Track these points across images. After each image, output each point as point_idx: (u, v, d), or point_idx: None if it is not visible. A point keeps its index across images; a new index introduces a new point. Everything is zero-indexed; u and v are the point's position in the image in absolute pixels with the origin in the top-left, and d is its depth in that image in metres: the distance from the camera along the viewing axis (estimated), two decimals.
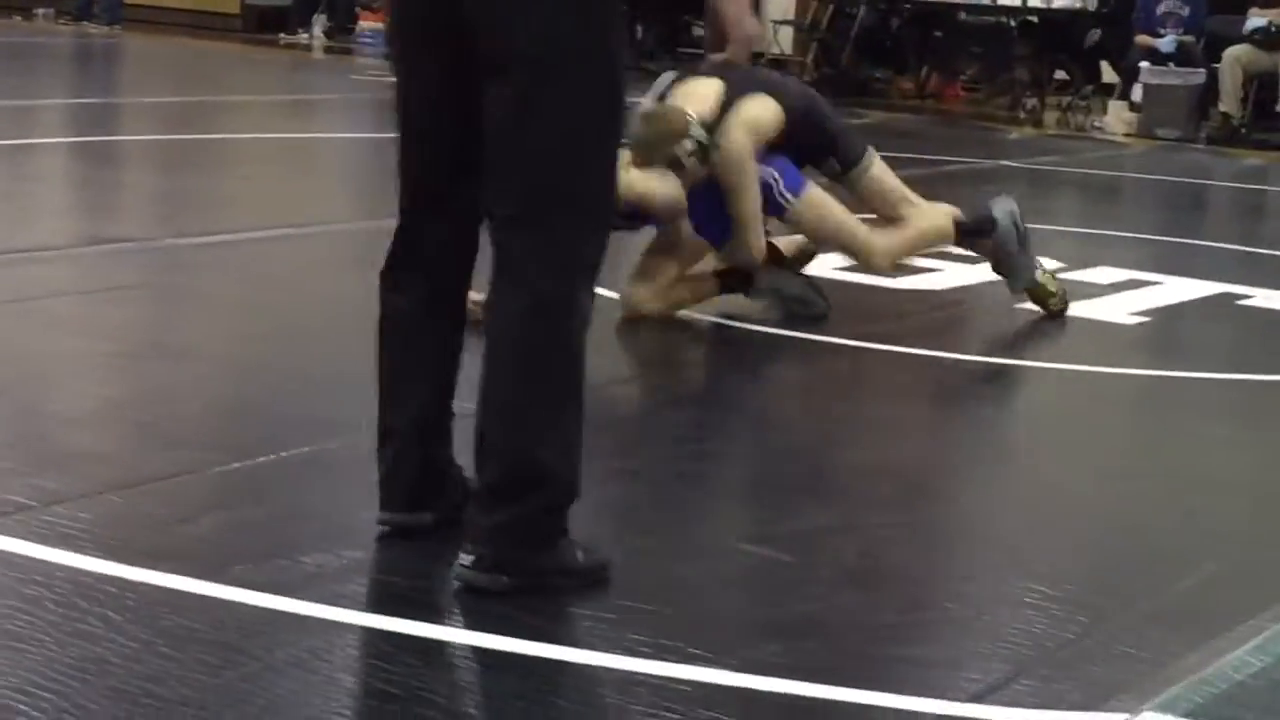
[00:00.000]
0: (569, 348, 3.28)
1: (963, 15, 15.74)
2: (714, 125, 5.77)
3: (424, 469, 3.56)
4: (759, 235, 5.94)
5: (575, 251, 3.25)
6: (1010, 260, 6.27)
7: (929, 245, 6.37)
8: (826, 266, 6.82)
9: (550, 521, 3.32)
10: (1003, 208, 6.34)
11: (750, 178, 5.85)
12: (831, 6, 16.50)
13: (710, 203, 5.87)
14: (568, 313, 3.25)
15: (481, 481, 3.29)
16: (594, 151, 3.25)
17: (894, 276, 6.54)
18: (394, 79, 3.46)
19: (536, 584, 3.29)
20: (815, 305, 6.12)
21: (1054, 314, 6.31)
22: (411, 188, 3.46)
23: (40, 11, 19.09)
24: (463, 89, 3.26)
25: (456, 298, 3.55)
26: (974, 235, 6.30)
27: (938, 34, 15.89)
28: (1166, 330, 6.46)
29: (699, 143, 5.72)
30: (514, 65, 3.16)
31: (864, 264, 6.23)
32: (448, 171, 3.40)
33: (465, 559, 3.29)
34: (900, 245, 6.21)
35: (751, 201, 5.85)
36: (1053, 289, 6.33)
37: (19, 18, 18.96)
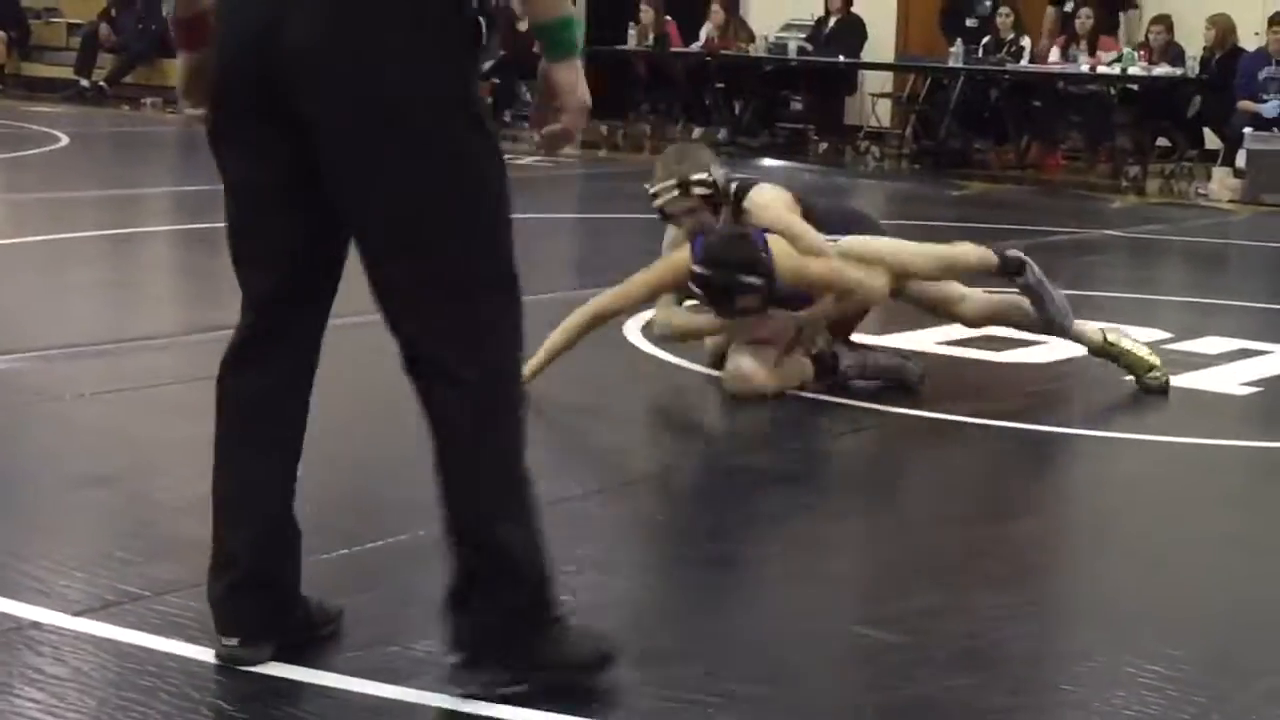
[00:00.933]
0: (512, 430, 3.19)
1: (1062, 85, 15.68)
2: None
3: (268, 594, 3.29)
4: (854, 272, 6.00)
5: (493, 329, 3.13)
6: (1043, 302, 6.24)
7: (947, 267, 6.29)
8: (928, 341, 6.81)
9: (534, 611, 3.16)
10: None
11: (804, 226, 5.96)
12: (929, 78, 16.50)
13: None
14: (504, 396, 3.17)
15: (454, 579, 3.14)
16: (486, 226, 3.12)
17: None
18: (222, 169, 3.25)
19: (534, 679, 3.15)
20: (909, 373, 6.10)
21: (1158, 389, 6.21)
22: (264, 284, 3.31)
23: (148, 101, 19.42)
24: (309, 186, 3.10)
25: (312, 374, 3.43)
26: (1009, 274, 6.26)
27: (1037, 104, 15.83)
28: (1278, 400, 6.37)
29: (710, 179, 6.00)
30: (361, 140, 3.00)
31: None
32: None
33: (455, 659, 3.15)
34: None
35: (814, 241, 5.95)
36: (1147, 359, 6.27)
37: (126, 107, 19.28)
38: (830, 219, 6.24)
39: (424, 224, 3.04)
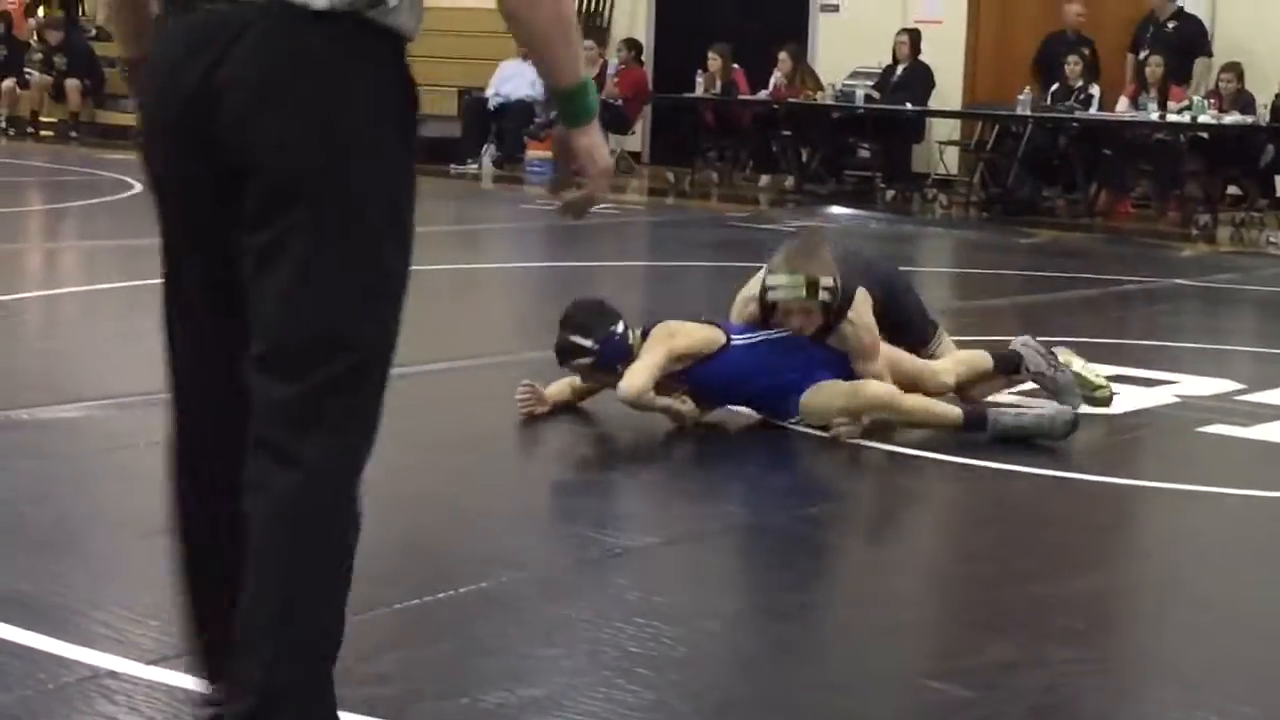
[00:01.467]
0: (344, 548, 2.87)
1: (1131, 132, 15.64)
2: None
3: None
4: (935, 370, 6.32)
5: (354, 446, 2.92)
6: (1049, 381, 6.47)
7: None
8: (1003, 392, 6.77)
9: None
10: (1021, 340, 6.61)
11: (881, 345, 6.18)
12: (997, 126, 16.48)
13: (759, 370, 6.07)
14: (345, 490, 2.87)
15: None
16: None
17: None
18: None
19: None
20: (1056, 425, 6.11)
21: (1103, 403, 6.50)
22: None
23: None
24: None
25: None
26: (1009, 371, 6.57)
27: (1106, 151, 15.78)
28: None
29: (835, 286, 6.00)
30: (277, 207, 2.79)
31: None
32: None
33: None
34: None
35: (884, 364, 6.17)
36: (1094, 380, 6.56)
37: None
38: (910, 319, 6.56)
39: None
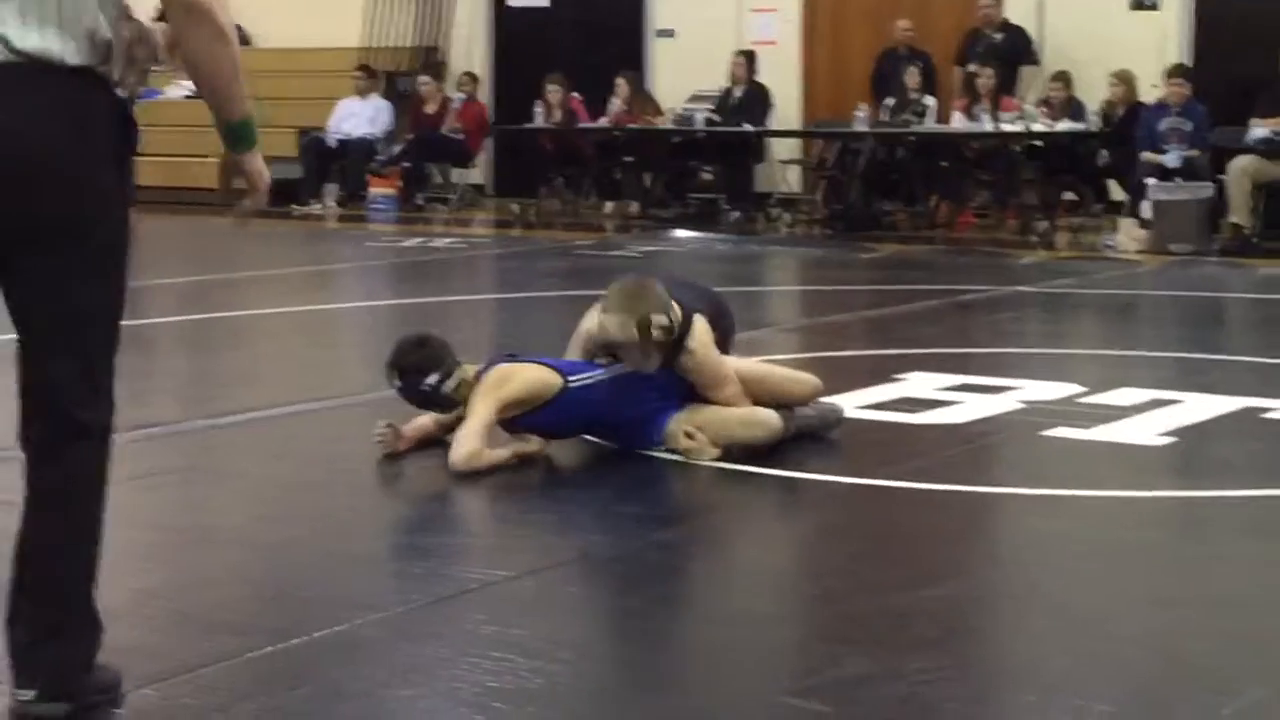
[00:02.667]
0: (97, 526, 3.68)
1: (967, 143, 15.88)
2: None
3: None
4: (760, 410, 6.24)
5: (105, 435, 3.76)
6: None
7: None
8: (848, 406, 6.83)
9: (96, 649, 3.66)
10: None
11: (727, 369, 6.22)
12: (838, 144, 16.65)
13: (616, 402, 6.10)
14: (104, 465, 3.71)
15: (40, 620, 3.58)
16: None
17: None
18: None
19: (89, 704, 3.62)
20: (829, 418, 6.31)
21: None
22: None
23: None
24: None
25: None
26: None
27: (944, 164, 16.00)
28: (1194, 449, 6.43)
29: (670, 324, 6.03)
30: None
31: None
32: None
33: (26, 694, 3.57)
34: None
35: (734, 388, 6.18)
36: None
37: None
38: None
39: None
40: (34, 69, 3.46)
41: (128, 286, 3.71)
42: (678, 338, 6.08)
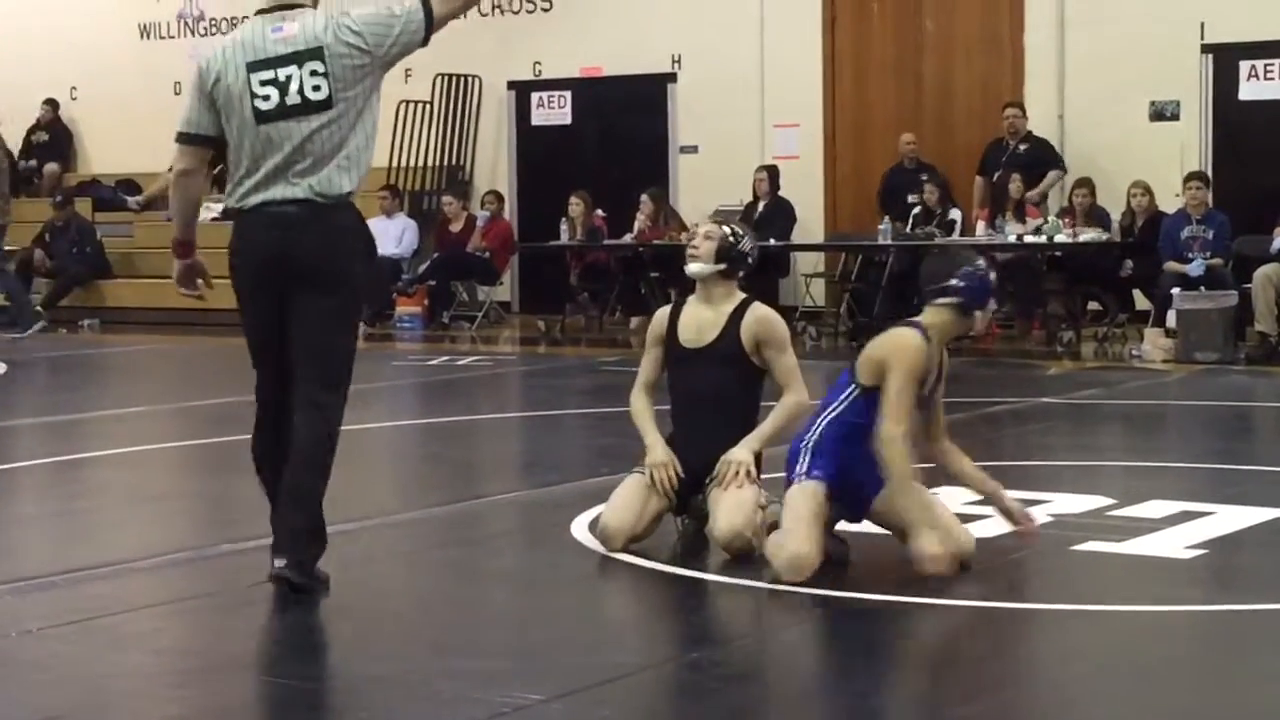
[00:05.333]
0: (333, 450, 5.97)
1: (992, 254, 15.92)
2: None
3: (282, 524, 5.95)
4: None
5: (344, 395, 5.99)
6: None
7: None
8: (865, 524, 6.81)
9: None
10: None
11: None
12: (860, 257, 16.72)
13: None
14: (336, 434, 5.95)
15: (297, 523, 5.86)
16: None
17: None
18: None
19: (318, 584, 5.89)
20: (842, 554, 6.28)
21: None
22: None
23: (85, 323, 19.44)
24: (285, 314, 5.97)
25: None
26: None
27: None
28: (1225, 562, 6.41)
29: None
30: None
31: None
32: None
33: (281, 563, 5.81)
34: None
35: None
36: None
37: (64, 330, 19.23)
38: None
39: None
40: None
41: None
42: None
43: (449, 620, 5.94)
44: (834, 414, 6.26)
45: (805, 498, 6.10)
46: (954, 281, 6.22)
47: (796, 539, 5.98)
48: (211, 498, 8.47)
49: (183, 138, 6.04)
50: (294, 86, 5.86)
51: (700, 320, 6.71)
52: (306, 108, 5.85)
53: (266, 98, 5.87)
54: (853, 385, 6.24)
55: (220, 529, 7.40)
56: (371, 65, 5.90)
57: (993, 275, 6.37)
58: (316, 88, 5.86)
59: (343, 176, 5.92)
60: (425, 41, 5.97)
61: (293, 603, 6.00)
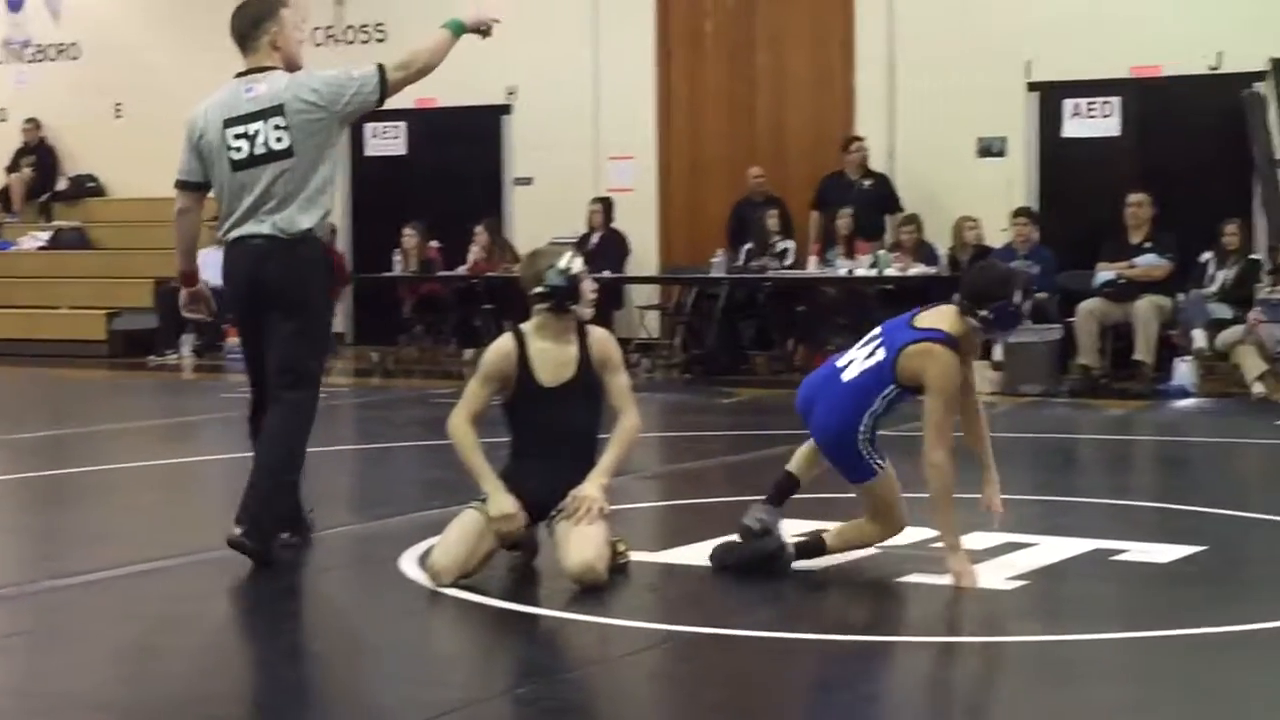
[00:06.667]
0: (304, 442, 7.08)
1: (823, 288, 16.12)
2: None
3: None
4: None
5: (315, 392, 7.11)
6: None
7: None
8: (702, 554, 6.85)
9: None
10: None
11: None
12: (695, 289, 16.82)
13: None
14: (309, 420, 7.08)
15: (258, 503, 6.91)
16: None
17: None
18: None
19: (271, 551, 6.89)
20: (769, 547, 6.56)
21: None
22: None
23: None
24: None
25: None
26: None
27: (800, 308, 16.22)
28: (1046, 592, 6.51)
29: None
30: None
31: None
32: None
33: (239, 531, 6.82)
34: None
35: None
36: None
37: None
38: None
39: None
40: None
41: None
42: None
43: (267, 657, 5.88)
44: (876, 411, 6.72)
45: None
46: (986, 312, 6.55)
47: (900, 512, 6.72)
48: (42, 531, 8.32)
49: (179, 184, 7.21)
50: (260, 139, 6.93)
51: (555, 358, 6.71)
52: (270, 156, 6.94)
53: (239, 149, 6.97)
54: (893, 386, 6.63)
55: (45, 564, 7.28)
56: (328, 119, 6.95)
57: (1026, 308, 6.68)
58: (279, 139, 6.92)
59: (303, 215, 6.95)
60: (380, 103, 7.06)
61: (112, 638, 5.92)
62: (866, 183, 16.58)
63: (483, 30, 7.26)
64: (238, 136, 6.97)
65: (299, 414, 6.97)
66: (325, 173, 7.01)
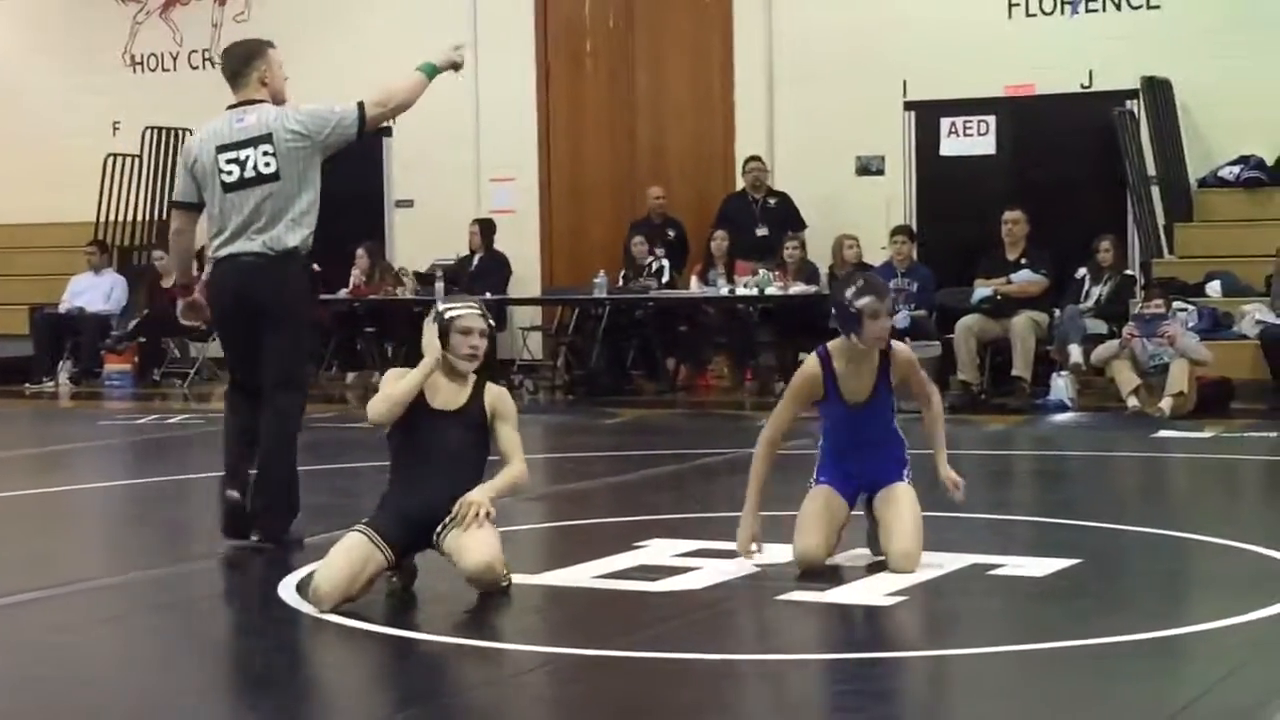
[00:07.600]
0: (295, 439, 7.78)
1: (704, 308, 16.18)
2: None
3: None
4: None
5: (302, 394, 7.94)
6: None
7: None
8: (585, 576, 6.86)
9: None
10: None
11: None
12: (577, 310, 16.83)
13: None
14: (299, 419, 7.78)
15: (264, 502, 7.69)
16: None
17: None
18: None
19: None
20: None
21: None
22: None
23: None
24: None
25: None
26: None
27: (682, 328, 16.27)
28: (923, 608, 6.56)
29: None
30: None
31: None
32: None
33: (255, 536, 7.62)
34: None
35: None
36: None
37: None
38: None
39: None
40: None
41: None
42: None
43: (148, 687, 5.80)
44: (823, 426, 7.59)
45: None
46: (833, 312, 7.05)
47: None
48: None
49: (175, 204, 8.09)
50: (250, 163, 7.69)
51: (448, 386, 6.73)
52: (259, 179, 7.69)
53: (230, 173, 7.70)
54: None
55: None
56: (311, 148, 7.76)
57: (861, 302, 6.91)
58: (267, 164, 7.68)
59: (289, 234, 7.71)
60: (359, 137, 7.88)
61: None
62: (771, 200, 16.66)
63: (456, 66, 7.91)
64: (229, 161, 7.70)
65: (289, 422, 7.76)
66: (309, 197, 7.78)
